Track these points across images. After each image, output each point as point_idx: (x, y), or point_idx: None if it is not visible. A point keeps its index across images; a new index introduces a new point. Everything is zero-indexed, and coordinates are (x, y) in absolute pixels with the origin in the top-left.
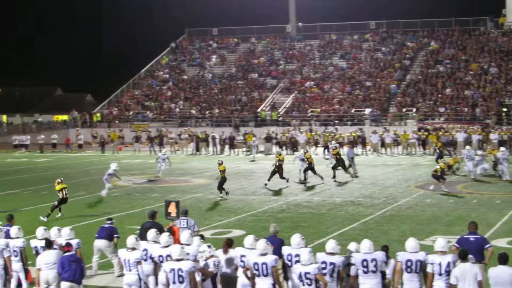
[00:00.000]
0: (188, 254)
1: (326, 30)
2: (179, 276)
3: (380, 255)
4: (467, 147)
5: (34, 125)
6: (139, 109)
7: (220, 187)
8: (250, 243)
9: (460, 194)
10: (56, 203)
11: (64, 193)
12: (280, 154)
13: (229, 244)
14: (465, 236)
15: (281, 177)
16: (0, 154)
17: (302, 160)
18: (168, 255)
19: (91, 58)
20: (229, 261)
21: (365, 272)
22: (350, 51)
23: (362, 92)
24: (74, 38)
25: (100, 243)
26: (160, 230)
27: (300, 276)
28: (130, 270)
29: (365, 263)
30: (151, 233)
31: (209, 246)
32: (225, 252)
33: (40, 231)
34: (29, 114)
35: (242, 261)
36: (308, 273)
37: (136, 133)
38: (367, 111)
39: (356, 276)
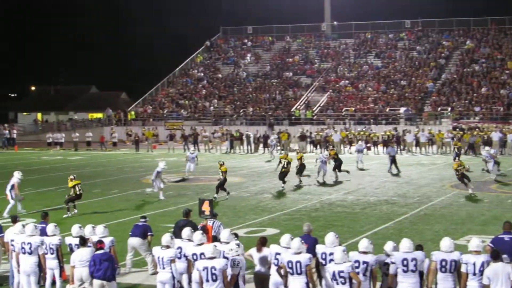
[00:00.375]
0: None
1: (362, 28)
2: (212, 274)
3: (420, 254)
4: (486, 148)
5: (69, 123)
6: (174, 108)
7: (221, 187)
8: (286, 241)
9: (495, 193)
10: (66, 197)
11: (77, 189)
12: (287, 155)
13: (263, 242)
14: (499, 236)
15: (282, 178)
16: (34, 151)
17: (324, 162)
18: (202, 253)
19: (126, 57)
20: (263, 260)
21: (404, 271)
22: (385, 50)
23: (397, 91)
24: (108, 36)
25: (134, 241)
26: (194, 228)
27: (333, 275)
28: (163, 268)
29: (405, 262)
30: (186, 231)
31: (237, 245)
32: (259, 250)
33: (75, 229)
34: (63, 112)
35: (276, 259)
36: (342, 271)
37: (170, 132)
38: (402, 110)
39: (395, 275)
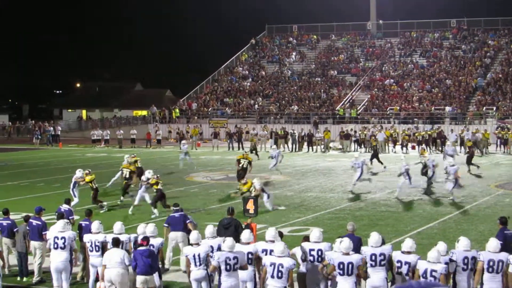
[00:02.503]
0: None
1: (407, 27)
2: (279, 271)
3: (476, 253)
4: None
5: (113, 120)
6: (218, 105)
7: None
8: (317, 236)
9: None
10: (92, 194)
11: (93, 184)
12: (247, 155)
13: (307, 241)
14: None
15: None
16: (79, 148)
17: (360, 167)
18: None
19: (171, 54)
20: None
21: (464, 270)
22: (430, 49)
23: (442, 90)
24: (153, 33)
25: (176, 235)
26: (239, 227)
27: (425, 273)
28: (200, 265)
29: (466, 261)
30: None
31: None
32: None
33: (117, 226)
34: (108, 109)
35: (312, 255)
36: (435, 270)
37: (214, 129)
38: (447, 109)
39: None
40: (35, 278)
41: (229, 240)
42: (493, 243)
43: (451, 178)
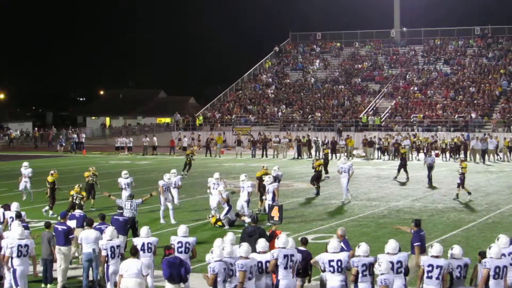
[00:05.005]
0: None
1: (431, 35)
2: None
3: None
4: None
5: (137, 127)
6: (242, 113)
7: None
8: (335, 247)
9: None
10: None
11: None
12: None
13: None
14: None
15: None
16: (103, 156)
17: (347, 172)
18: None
19: (195, 62)
20: None
21: (495, 278)
22: (454, 56)
23: (465, 98)
24: (177, 41)
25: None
26: (263, 235)
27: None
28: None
29: (497, 270)
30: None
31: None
32: None
33: (144, 230)
34: (132, 117)
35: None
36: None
37: (238, 137)
38: (471, 116)
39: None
40: (59, 284)
41: (245, 246)
42: (496, 250)
43: None
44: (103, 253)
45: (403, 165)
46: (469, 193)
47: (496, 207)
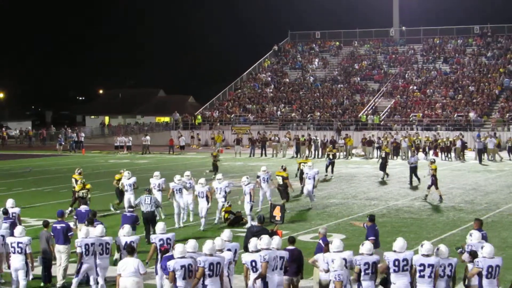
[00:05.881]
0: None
1: (430, 34)
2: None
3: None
4: None
5: (136, 127)
6: (241, 112)
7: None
8: (337, 246)
9: None
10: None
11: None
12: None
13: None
14: None
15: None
16: (102, 155)
17: (312, 178)
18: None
19: (193, 61)
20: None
21: (488, 278)
22: (453, 55)
23: (465, 97)
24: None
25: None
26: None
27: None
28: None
29: (490, 269)
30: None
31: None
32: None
33: (160, 226)
34: (131, 116)
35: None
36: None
37: (237, 136)
38: (471, 115)
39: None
40: (59, 282)
41: (265, 238)
42: (488, 249)
43: None
44: (78, 250)
45: (383, 164)
46: (441, 198)
47: (496, 206)
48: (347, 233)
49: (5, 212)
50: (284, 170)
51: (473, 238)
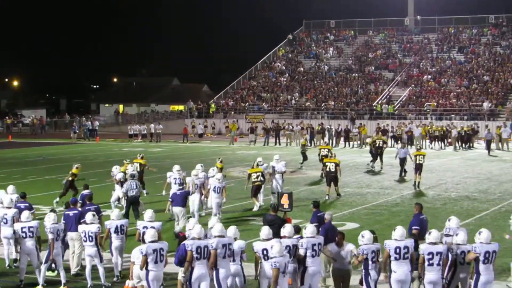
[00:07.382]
0: None
1: (445, 23)
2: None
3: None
4: None
5: (150, 115)
6: (255, 101)
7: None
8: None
9: None
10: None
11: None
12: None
13: (344, 237)
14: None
15: None
16: (116, 143)
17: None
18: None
19: (208, 50)
20: (343, 255)
21: (484, 263)
22: (468, 45)
23: (479, 86)
24: (191, 28)
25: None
26: (282, 224)
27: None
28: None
29: (487, 255)
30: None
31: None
32: (339, 245)
33: (149, 213)
34: (145, 104)
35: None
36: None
37: (251, 124)
38: (484, 105)
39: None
40: (73, 270)
41: (288, 227)
42: (486, 235)
43: None
44: (50, 236)
45: (379, 154)
46: (416, 185)
47: (510, 196)
48: (362, 222)
49: (23, 196)
50: (335, 156)
51: (451, 223)
